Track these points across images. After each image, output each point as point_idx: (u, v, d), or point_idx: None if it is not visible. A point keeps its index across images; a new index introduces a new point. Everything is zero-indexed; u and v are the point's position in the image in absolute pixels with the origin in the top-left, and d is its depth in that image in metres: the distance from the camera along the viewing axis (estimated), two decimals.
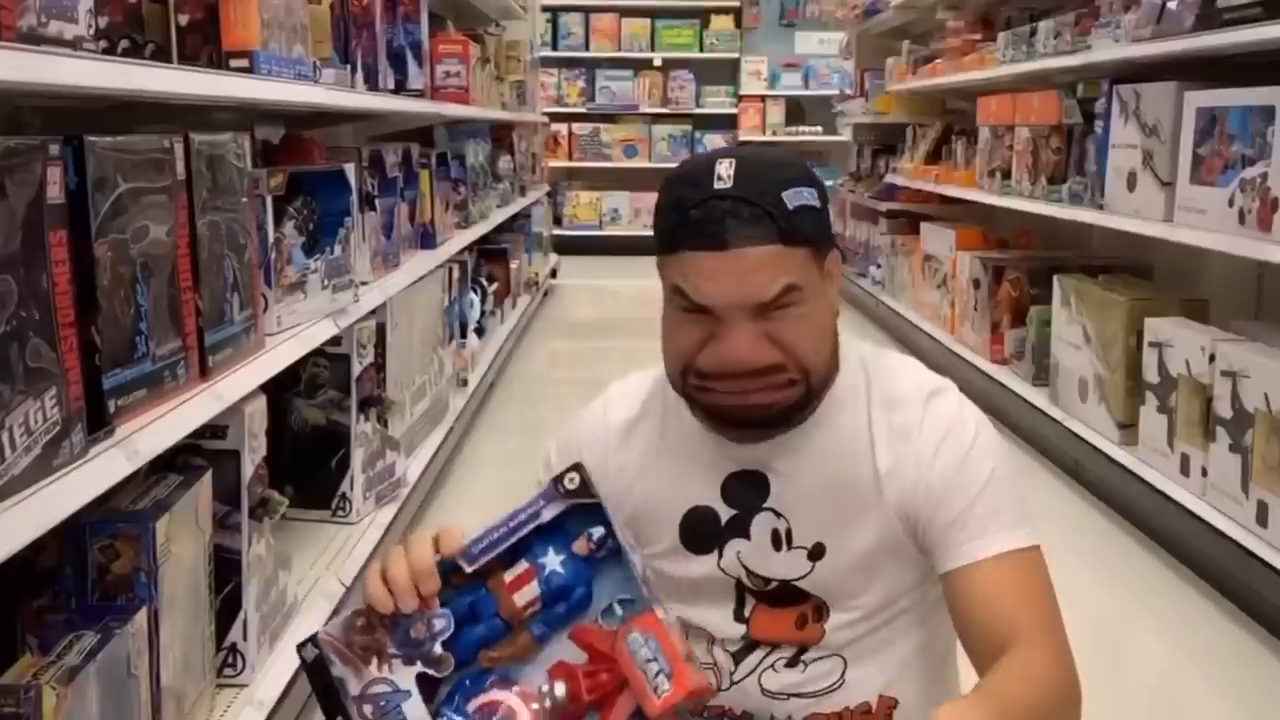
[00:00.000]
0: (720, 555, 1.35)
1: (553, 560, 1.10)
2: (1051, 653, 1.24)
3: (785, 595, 1.35)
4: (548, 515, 1.09)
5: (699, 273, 1.23)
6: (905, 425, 1.32)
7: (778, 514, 1.34)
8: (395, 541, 2.98)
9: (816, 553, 1.33)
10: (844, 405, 1.34)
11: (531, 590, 1.09)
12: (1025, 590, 1.27)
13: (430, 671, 1.10)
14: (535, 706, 1.08)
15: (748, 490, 1.35)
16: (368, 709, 1.09)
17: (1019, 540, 1.27)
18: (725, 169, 1.24)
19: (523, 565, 1.10)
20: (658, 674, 1.04)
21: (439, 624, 1.09)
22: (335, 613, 2.36)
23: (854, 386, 1.35)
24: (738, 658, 1.37)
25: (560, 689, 1.08)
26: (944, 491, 1.29)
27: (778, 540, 1.34)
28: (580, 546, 1.10)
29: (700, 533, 1.36)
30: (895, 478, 1.31)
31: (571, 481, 1.09)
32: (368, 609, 1.10)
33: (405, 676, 1.09)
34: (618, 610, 1.08)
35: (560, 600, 1.10)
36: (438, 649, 1.09)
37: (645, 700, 1.04)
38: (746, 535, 1.35)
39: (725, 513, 1.35)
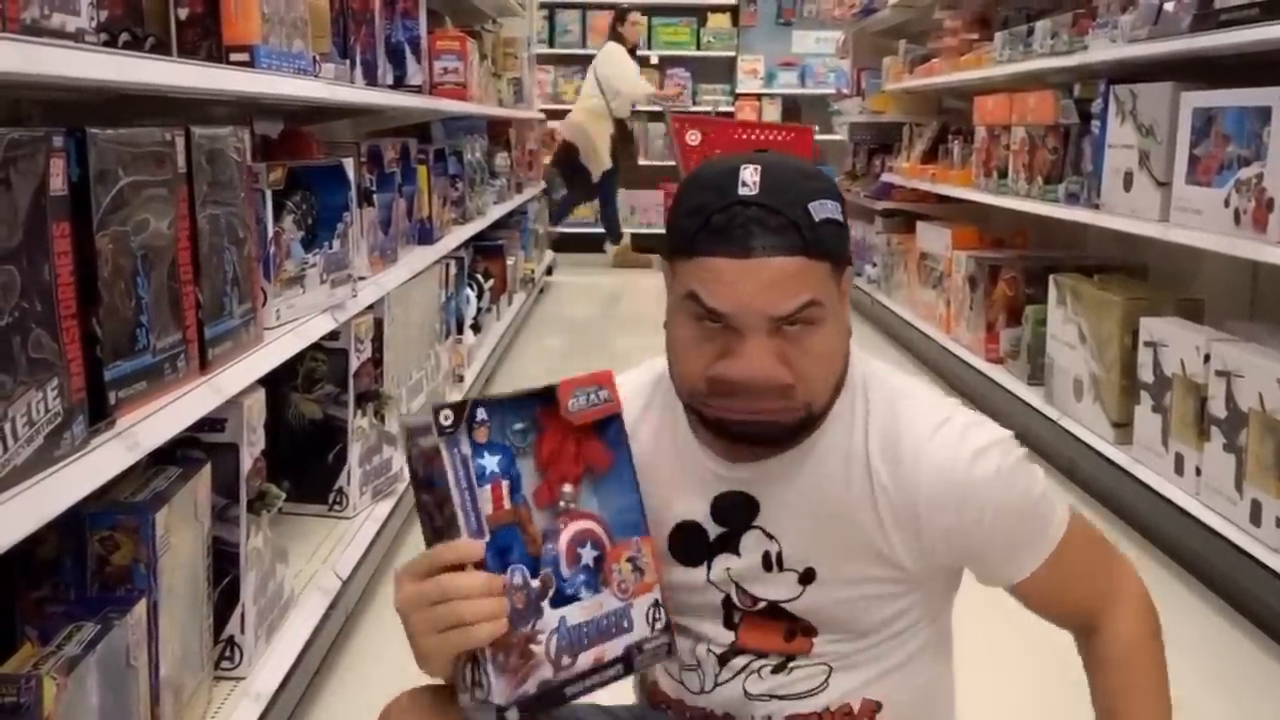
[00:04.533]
0: (709, 569, 1.34)
1: (489, 462, 1.18)
2: (1125, 603, 1.37)
3: (774, 614, 1.34)
4: (467, 450, 1.17)
5: (718, 279, 1.19)
6: (904, 479, 1.28)
7: (768, 535, 1.32)
8: (391, 541, 2.99)
9: (807, 577, 1.32)
10: (839, 428, 1.31)
11: (505, 491, 1.20)
12: (1073, 577, 1.34)
13: (553, 594, 1.21)
14: (576, 520, 1.23)
15: (737, 511, 1.33)
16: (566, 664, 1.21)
17: (1050, 545, 1.32)
18: (750, 175, 1.20)
19: (486, 490, 1.19)
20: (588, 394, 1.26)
21: (519, 578, 1.18)
22: (331, 606, 2.37)
23: (852, 408, 1.31)
24: (723, 660, 1.36)
25: (566, 488, 1.23)
26: (960, 545, 1.30)
27: (768, 561, 1.32)
28: (480, 435, 1.19)
29: (689, 546, 1.34)
30: (900, 528, 1.29)
31: (446, 418, 1.16)
32: (492, 649, 1.15)
33: (552, 618, 1.20)
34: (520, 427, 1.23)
35: (509, 472, 1.21)
36: (537, 583, 1.19)
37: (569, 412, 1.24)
38: (736, 552, 1.33)
39: (714, 530, 1.33)
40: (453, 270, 4.28)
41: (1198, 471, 2.94)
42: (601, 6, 10.07)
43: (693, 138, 8.11)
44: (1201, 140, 2.99)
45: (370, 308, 2.84)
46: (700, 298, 1.20)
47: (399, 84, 3.63)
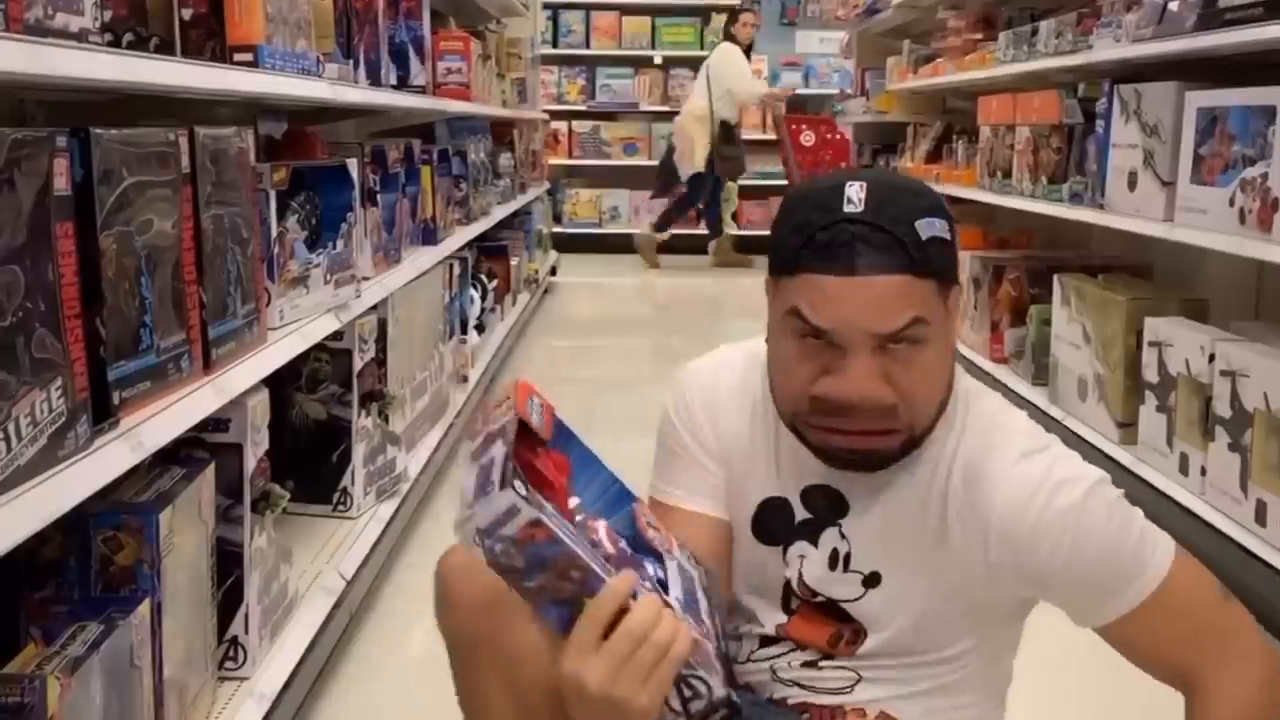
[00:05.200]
0: (785, 551, 1.35)
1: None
2: (1235, 667, 1.27)
3: (829, 610, 1.34)
4: (548, 506, 1.12)
5: (823, 296, 1.18)
6: (979, 504, 1.26)
7: (843, 535, 1.32)
8: (395, 541, 2.99)
9: (871, 581, 1.32)
10: (934, 446, 1.29)
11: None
12: (1168, 630, 1.27)
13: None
14: (595, 523, 1.22)
15: (827, 504, 1.33)
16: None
17: (1138, 596, 1.25)
18: (856, 192, 1.19)
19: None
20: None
21: (651, 569, 1.19)
22: (335, 606, 2.37)
23: (949, 427, 1.30)
24: (764, 641, 1.37)
25: (574, 501, 1.23)
26: (1030, 580, 1.27)
27: (834, 560, 1.33)
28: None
29: (772, 524, 1.36)
30: (969, 553, 1.27)
31: (521, 489, 1.09)
32: (692, 665, 1.13)
33: (675, 604, 1.17)
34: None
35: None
36: (649, 584, 1.17)
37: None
38: (815, 543, 1.33)
39: (800, 513, 1.34)
40: (456, 270, 4.27)
41: (1202, 471, 2.94)
42: (604, 7, 10.07)
43: (807, 138, 8.11)
44: (1206, 140, 2.98)
45: (374, 308, 2.84)
46: (804, 314, 1.20)
47: (402, 84, 3.64)
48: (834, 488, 1.32)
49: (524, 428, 1.18)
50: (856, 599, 1.32)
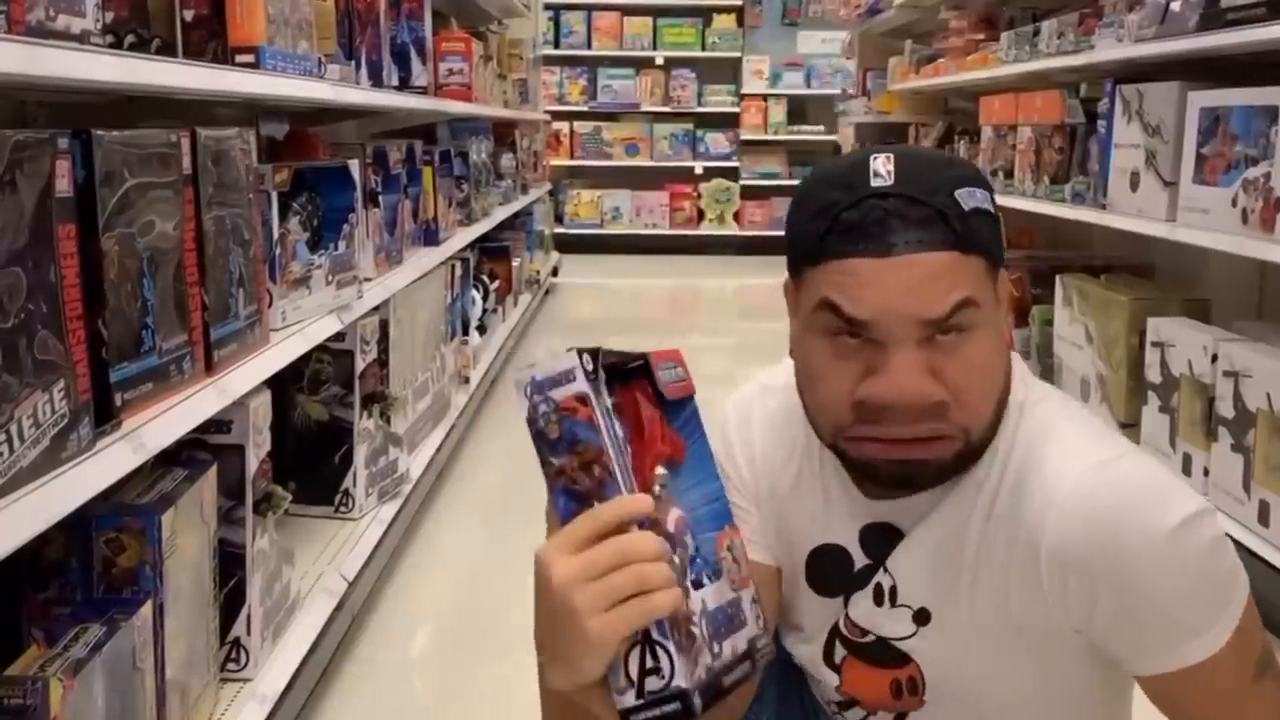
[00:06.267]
0: (846, 601, 1.21)
1: (614, 424, 1.00)
2: None
3: (881, 654, 1.19)
4: (608, 402, 0.98)
5: (858, 281, 1.03)
6: (1029, 520, 1.09)
7: (885, 569, 1.18)
8: (397, 543, 2.99)
9: (921, 617, 1.16)
10: (984, 459, 1.13)
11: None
12: (1211, 694, 1.10)
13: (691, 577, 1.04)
14: (672, 508, 1.03)
15: (885, 543, 1.18)
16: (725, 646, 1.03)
17: (1190, 658, 1.07)
18: (883, 165, 1.06)
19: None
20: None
21: (700, 577, 1.02)
22: (338, 608, 2.37)
23: (1001, 436, 1.13)
24: (841, 707, 1.25)
25: (660, 471, 1.03)
26: (1081, 616, 1.09)
27: (880, 595, 1.18)
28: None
29: (830, 573, 1.22)
30: (1022, 577, 1.10)
31: (589, 362, 0.97)
32: (670, 624, 0.95)
33: (696, 600, 1.01)
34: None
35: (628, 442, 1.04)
36: (676, 560, 0.99)
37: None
38: (864, 586, 1.20)
39: (860, 559, 1.20)
40: (458, 271, 4.28)
41: (1205, 472, 2.94)
42: (606, 8, 10.08)
43: None
44: (1208, 140, 2.98)
45: (376, 309, 2.84)
46: (837, 304, 1.05)
47: (404, 85, 3.64)
48: (888, 523, 1.18)
49: (649, 373, 1.03)
50: (908, 637, 1.17)
